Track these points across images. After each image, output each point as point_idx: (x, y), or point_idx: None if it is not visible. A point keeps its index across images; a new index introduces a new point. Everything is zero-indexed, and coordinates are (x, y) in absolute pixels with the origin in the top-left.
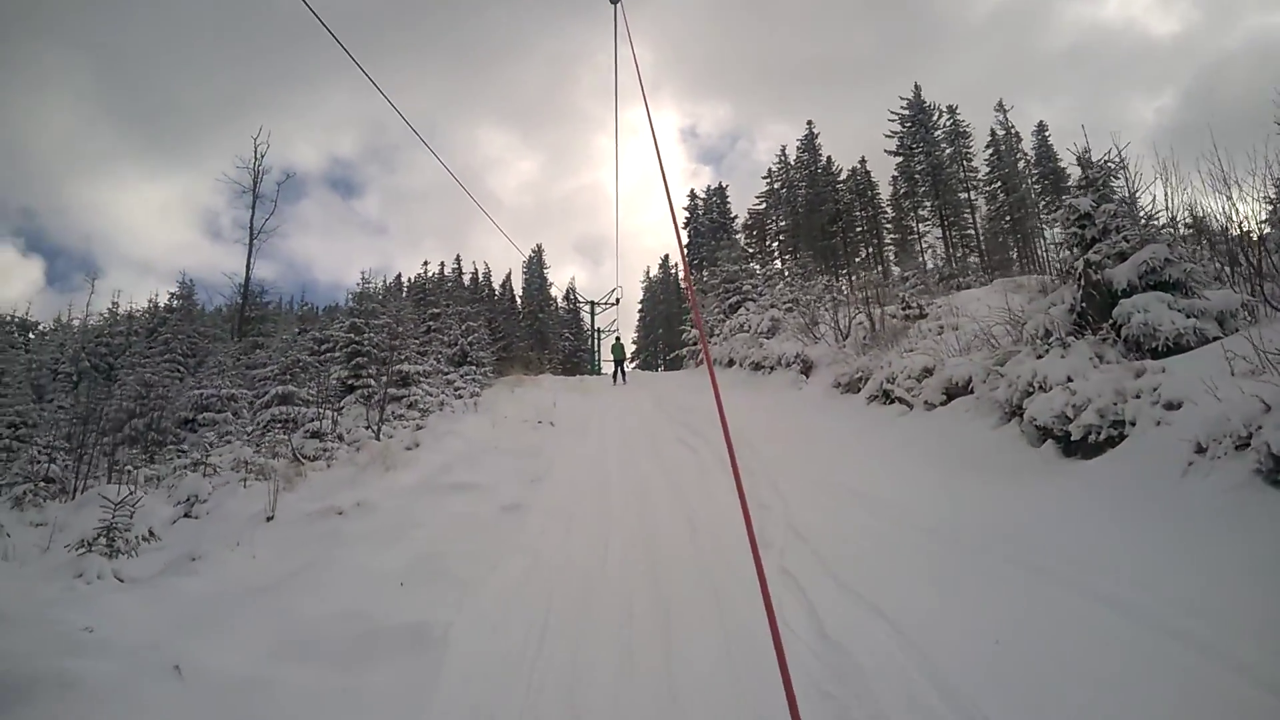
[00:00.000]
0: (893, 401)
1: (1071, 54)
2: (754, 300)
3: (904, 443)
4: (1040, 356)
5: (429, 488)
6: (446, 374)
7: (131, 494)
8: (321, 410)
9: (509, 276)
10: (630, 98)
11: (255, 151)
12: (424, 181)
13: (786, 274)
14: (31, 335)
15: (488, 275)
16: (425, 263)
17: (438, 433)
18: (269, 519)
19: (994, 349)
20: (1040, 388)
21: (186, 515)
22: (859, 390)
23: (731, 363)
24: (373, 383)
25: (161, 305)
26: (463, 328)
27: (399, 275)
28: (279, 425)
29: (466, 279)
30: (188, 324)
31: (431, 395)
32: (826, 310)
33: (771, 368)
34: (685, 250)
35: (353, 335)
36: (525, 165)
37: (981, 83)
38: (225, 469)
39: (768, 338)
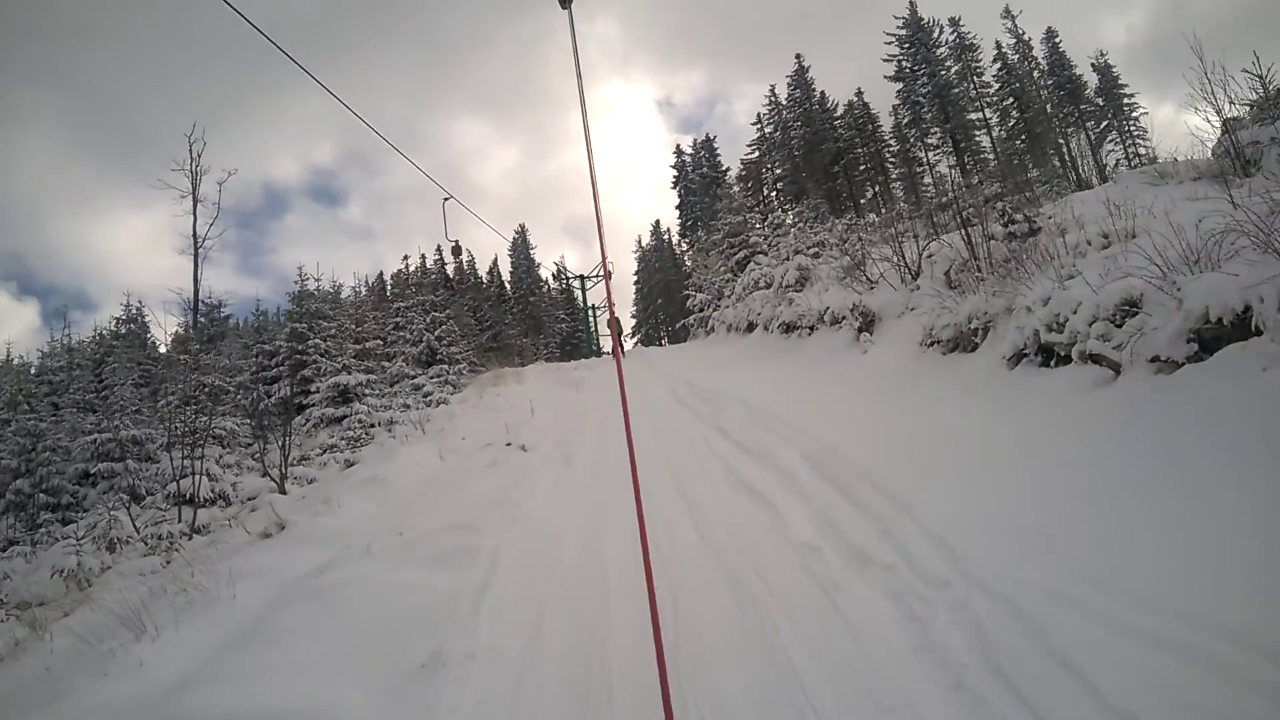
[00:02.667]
0: (1062, 361)
1: None
2: (764, 253)
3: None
4: None
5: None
6: (413, 377)
7: None
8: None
9: (495, 262)
10: (597, 76)
11: (191, 151)
12: (406, 181)
13: (796, 221)
14: None
15: (472, 263)
16: (405, 257)
17: (354, 482)
18: None
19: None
20: None
21: None
22: (974, 347)
23: (751, 326)
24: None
25: (108, 332)
26: (427, 320)
27: (380, 274)
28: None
29: (451, 269)
30: (138, 351)
31: (383, 410)
32: (884, 244)
33: (812, 327)
34: (678, 210)
35: (295, 345)
36: (505, 153)
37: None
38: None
39: (797, 290)
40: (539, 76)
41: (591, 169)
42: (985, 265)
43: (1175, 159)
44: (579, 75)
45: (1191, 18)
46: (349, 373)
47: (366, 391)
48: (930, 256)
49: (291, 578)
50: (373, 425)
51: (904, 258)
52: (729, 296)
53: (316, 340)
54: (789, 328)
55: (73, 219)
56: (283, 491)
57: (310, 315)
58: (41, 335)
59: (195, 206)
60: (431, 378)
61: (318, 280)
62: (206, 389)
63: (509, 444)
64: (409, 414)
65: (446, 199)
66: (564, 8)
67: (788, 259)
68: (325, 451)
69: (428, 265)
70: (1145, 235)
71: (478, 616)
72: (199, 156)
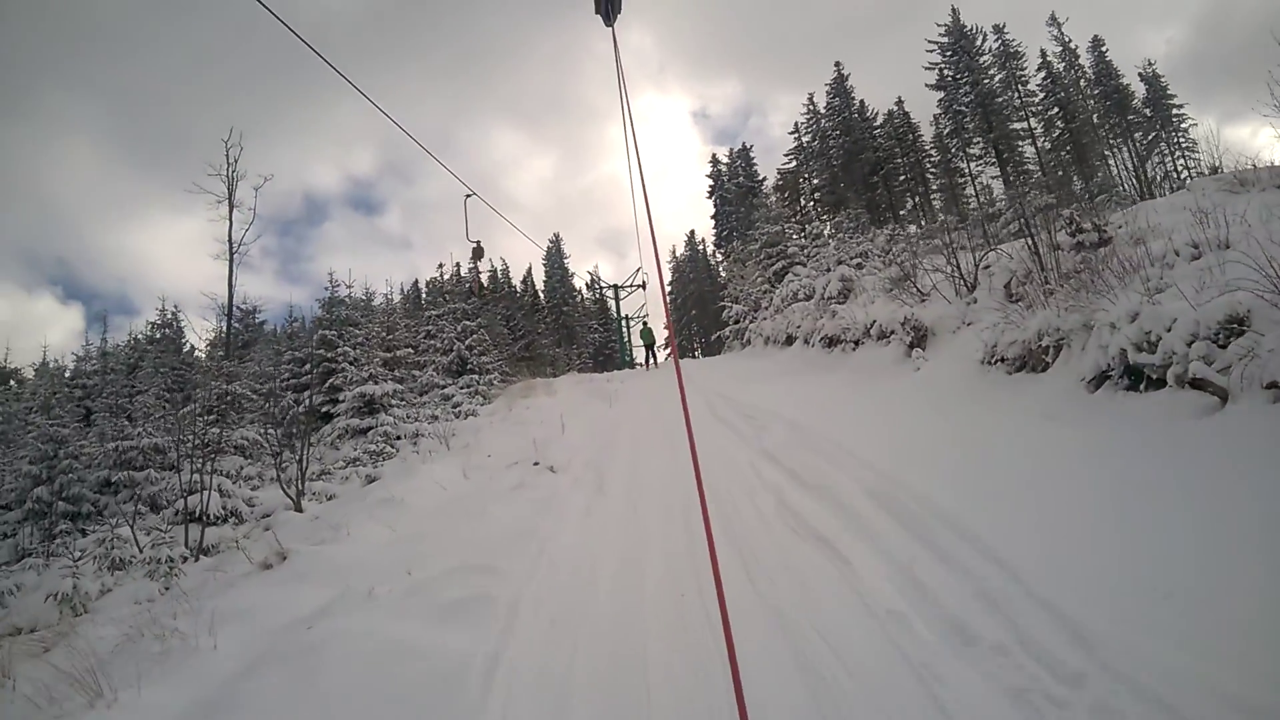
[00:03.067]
0: (1154, 385)
1: None
2: (802, 264)
3: None
4: None
5: None
6: (443, 387)
7: None
8: (204, 470)
9: (529, 271)
10: (633, 86)
11: (227, 155)
12: (442, 190)
13: (835, 231)
14: (13, 383)
15: (505, 271)
16: (440, 265)
17: (370, 503)
18: None
19: None
20: None
21: None
22: (1045, 366)
23: (790, 339)
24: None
25: (143, 337)
26: (458, 329)
27: (415, 282)
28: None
29: (485, 278)
30: (171, 356)
31: (409, 421)
32: (935, 254)
33: (856, 341)
34: (714, 220)
35: (324, 351)
36: (540, 164)
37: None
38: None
39: (840, 302)
40: (574, 87)
41: (641, 182)
42: (1054, 277)
43: (1254, 165)
44: (623, 93)
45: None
46: (376, 382)
47: (393, 402)
48: (987, 268)
49: (281, 624)
50: (398, 437)
51: (959, 269)
52: (766, 308)
53: (345, 348)
54: (831, 341)
55: (116, 224)
56: (299, 509)
57: (340, 322)
58: (84, 340)
59: (231, 211)
60: (461, 388)
61: (350, 286)
62: (230, 397)
63: (537, 463)
64: (436, 426)
65: (469, 196)
66: (608, 25)
67: (829, 270)
68: (349, 465)
69: (462, 273)
70: (1241, 245)
71: (487, 696)
72: (236, 161)
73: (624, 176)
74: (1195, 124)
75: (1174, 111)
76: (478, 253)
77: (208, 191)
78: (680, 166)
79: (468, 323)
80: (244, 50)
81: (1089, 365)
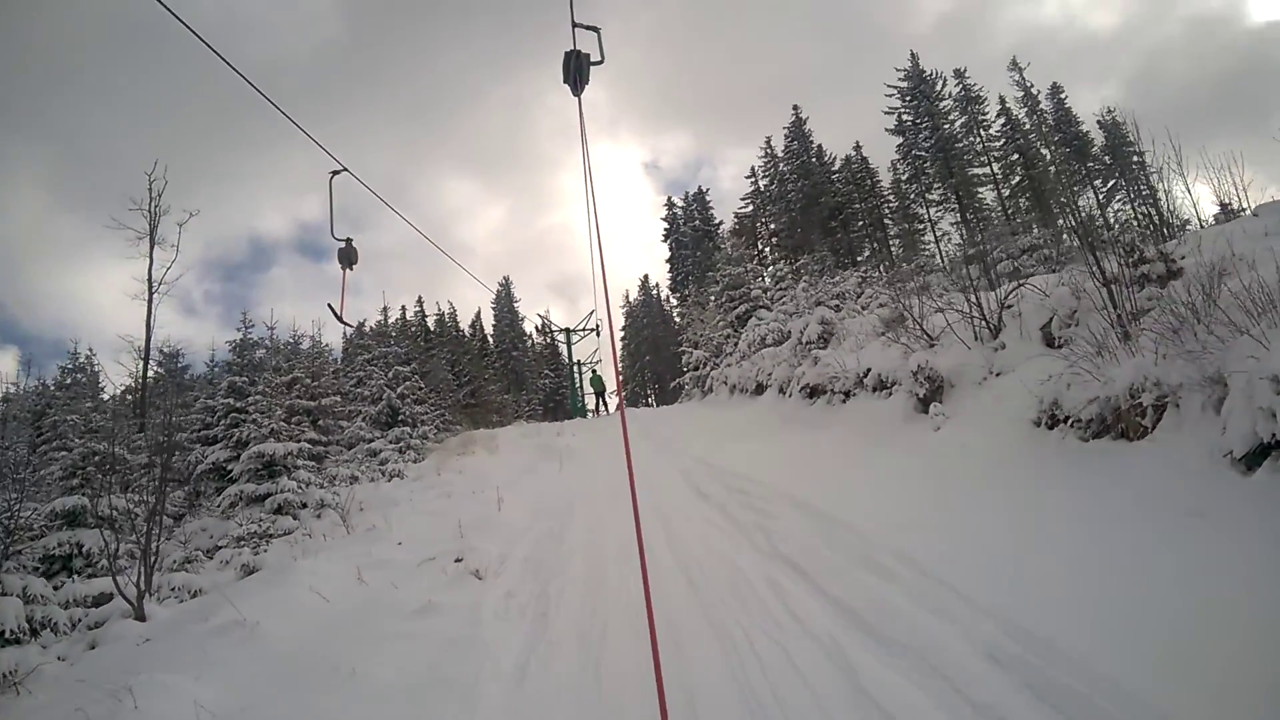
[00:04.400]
0: None
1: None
2: (766, 308)
3: None
4: None
5: None
6: (369, 440)
7: None
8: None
9: (478, 315)
10: (590, 139)
11: (150, 189)
12: (394, 239)
13: (802, 274)
14: None
15: (453, 315)
16: (385, 308)
17: (211, 627)
18: None
19: None
20: None
21: None
22: (1143, 431)
23: (761, 388)
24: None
25: (53, 383)
26: (389, 375)
27: (360, 324)
28: None
29: (431, 322)
30: (81, 403)
31: (317, 485)
32: (943, 293)
33: (847, 392)
34: (669, 264)
35: (232, 401)
36: (493, 212)
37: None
38: None
39: (820, 347)
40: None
41: (597, 237)
42: (1126, 317)
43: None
44: (586, 159)
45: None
46: (277, 439)
47: (299, 463)
48: (1011, 307)
49: None
50: (303, 506)
51: (982, 308)
52: (730, 353)
53: (257, 396)
54: (813, 391)
55: (57, 268)
56: (140, 617)
57: (252, 367)
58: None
59: (152, 249)
60: (391, 442)
61: (271, 327)
62: (97, 457)
63: (459, 560)
64: (347, 492)
65: (336, 173)
66: (575, 95)
67: (805, 311)
68: (237, 543)
69: (408, 318)
70: None
71: None
72: (159, 195)
73: (577, 223)
74: (1156, 171)
75: (1133, 159)
76: (346, 255)
77: (127, 227)
78: (633, 214)
79: (400, 368)
80: (194, 95)
81: (1237, 435)
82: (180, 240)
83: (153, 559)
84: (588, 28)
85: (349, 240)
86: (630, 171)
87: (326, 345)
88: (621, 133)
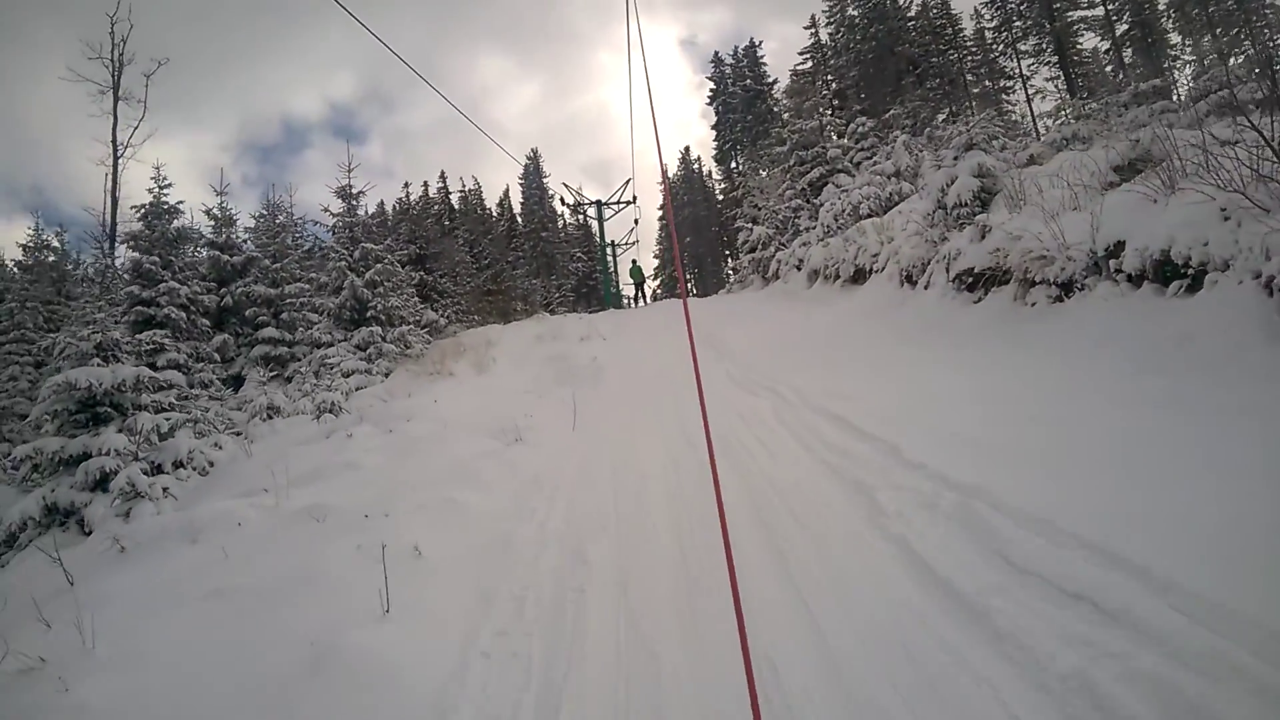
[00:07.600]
0: None
1: None
2: (848, 172)
3: None
4: None
5: None
6: (326, 345)
7: None
8: None
9: (506, 193)
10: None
11: (113, 34)
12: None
13: (889, 129)
14: None
15: (478, 192)
16: (406, 184)
17: None
18: None
19: None
20: None
21: None
22: None
23: (862, 274)
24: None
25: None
26: (353, 255)
27: (380, 203)
28: None
29: (455, 199)
30: (43, 286)
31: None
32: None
33: (1067, 283)
34: (714, 130)
35: (137, 289)
36: (526, 90)
37: None
38: None
39: (976, 211)
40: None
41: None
42: None
43: None
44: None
45: None
46: (107, 360)
47: (145, 398)
48: None
49: None
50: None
51: None
52: (809, 229)
53: (172, 283)
54: (978, 280)
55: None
56: None
57: (167, 242)
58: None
59: (116, 104)
60: (356, 348)
61: (223, 193)
62: None
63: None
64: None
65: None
66: None
67: (949, 163)
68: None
69: (430, 195)
70: None
71: None
72: (123, 41)
73: (610, 105)
74: None
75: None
76: None
77: (87, 79)
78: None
79: (369, 245)
80: None
81: None
82: (148, 95)
83: None
84: None
85: None
86: (666, 49)
87: (311, 222)
88: (657, 6)
